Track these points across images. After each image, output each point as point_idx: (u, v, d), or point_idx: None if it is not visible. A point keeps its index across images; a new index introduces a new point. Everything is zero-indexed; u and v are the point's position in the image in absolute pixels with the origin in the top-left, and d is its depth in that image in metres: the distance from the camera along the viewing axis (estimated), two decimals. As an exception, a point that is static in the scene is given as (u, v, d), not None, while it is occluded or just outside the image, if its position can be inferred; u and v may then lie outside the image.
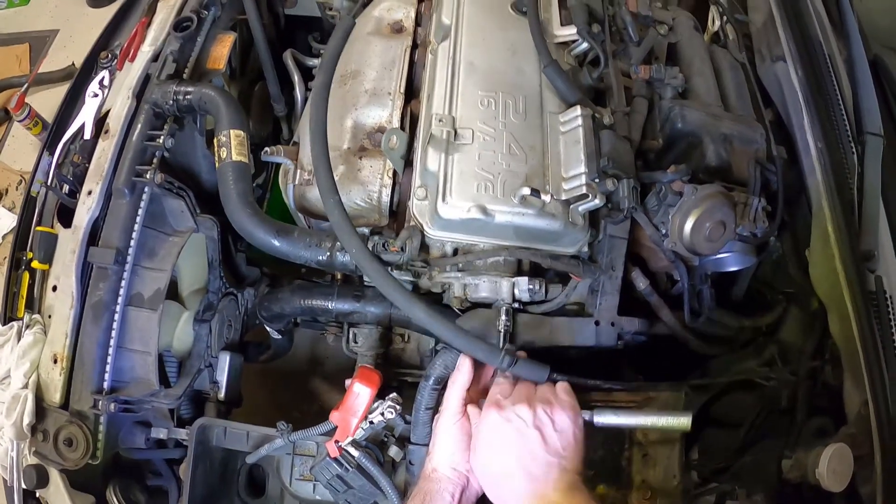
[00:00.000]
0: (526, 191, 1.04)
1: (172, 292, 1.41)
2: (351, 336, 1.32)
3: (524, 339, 1.13)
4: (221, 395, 1.38)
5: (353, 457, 1.11)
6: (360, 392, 1.08)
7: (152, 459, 1.36)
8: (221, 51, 1.42)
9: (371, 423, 1.09)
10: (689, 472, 1.38)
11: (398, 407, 1.09)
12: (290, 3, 1.64)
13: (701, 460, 1.41)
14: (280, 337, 1.46)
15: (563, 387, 1.05)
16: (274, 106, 1.58)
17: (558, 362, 1.24)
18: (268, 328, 1.44)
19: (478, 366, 1.09)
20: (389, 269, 1.14)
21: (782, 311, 1.40)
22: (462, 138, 1.11)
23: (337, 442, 1.10)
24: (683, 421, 1.07)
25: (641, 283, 1.24)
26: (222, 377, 1.39)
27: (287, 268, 1.43)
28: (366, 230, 1.21)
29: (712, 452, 1.43)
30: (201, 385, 1.38)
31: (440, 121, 1.09)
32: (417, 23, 1.38)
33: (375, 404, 1.10)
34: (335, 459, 1.11)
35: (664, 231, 1.15)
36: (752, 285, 1.44)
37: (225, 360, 1.38)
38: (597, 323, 1.15)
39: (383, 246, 1.09)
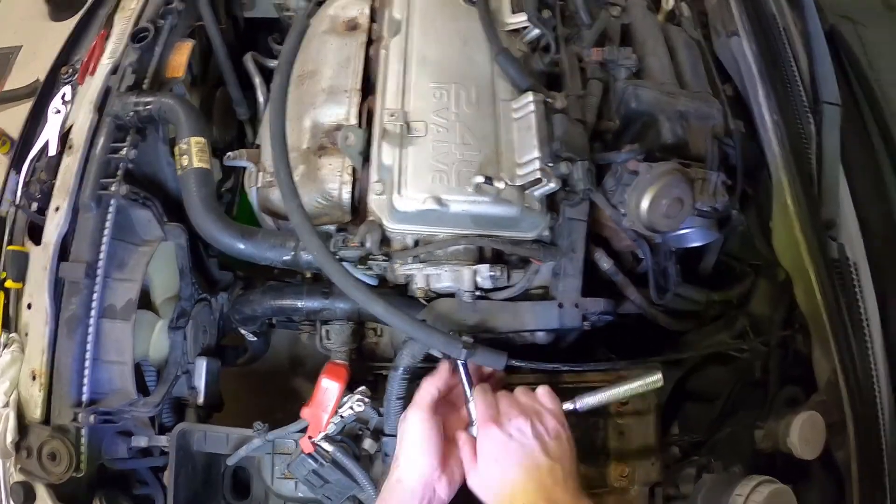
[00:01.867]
0: (479, 179, 1.05)
1: (146, 301, 1.42)
2: (323, 333, 1.33)
3: (488, 326, 1.15)
4: (200, 400, 1.39)
5: (327, 451, 1.12)
6: (328, 387, 1.09)
7: (137, 469, 1.38)
8: (180, 59, 1.42)
9: (342, 417, 1.10)
10: (669, 448, 1.40)
11: (367, 400, 1.10)
12: (248, 5, 1.64)
13: (680, 435, 1.43)
14: (255, 339, 1.47)
15: (544, 393, 1.05)
16: (236, 110, 1.59)
17: (534, 347, 1.27)
18: (242, 331, 1.45)
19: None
20: (354, 265, 1.16)
21: (751, 283, 1.41)
22: (415, 131, 1.12)
23: (310, 438, 1.12)
24: (655, 378, 1.09)
25: (605, 263, 1.26)
26: (200, 383, 1.39)
27: (260, 270, 1.44)
28: (332, 228, 1.22)
29: (691, 427, 1.45)
30: (180, 392, 1.39)
31: (392, 115, 1.10)
32: (373, 19, 1.38)
33: (345, 398, 1.11)
34: (310, 455, 1.12)
35: (623, 211, 1.17)
36: (720, 259, 1.45)
37: (202, 366, 1.39)
38: (560, 305, 1.16)
39: (343, 242, 1.10)
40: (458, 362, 1.08)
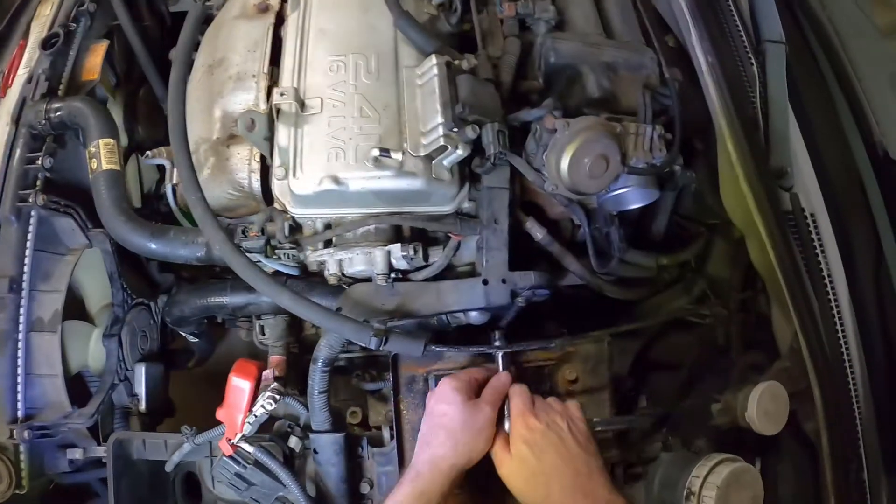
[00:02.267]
0: (375, 152, 0.98)
1: (81, 311, 1.39)
2: (258, 329, 1.29)
3: (409, 309, 1.08)
4: (142, 407, 1.36)
5: (248, 453, 1.07)
6: (238, 386, 1.05)
7: (88, 481, 1.36)
8: (95, 61, 1.39)
9: (255, 416, 1.04)
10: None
11: (277, 397, 1.05)
12: (172, 0, 1.60)
13: (648, 407, 1.34)
14: (197, 340, 1.43)
15: (574, 406, 1.06)
16: (164, 107, 1.54)
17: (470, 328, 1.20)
18: (182, 333, 1.41)
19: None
20: (265, 255, 1.11)
21: (704, 243, 1.31)
22: (310, 109, 1.06)
23: (229, 440, 1.07)
24: None
25: (538, 232, 1.17)
26: (140, 389, 1.36)
27: (205, 269, 1.40)
28: (254, 219, 1.17)
29: (659, 398, 1.36)
30: (121, 400, 1.36)
31: (282, 94, 1.04)
32: (284, -1, 1.32)
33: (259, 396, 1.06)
34: (231, 457, 1.08)
35: (545, 174, 1.08)
36: (674, 221, 1.35)
37: (141, 372, 1.36)
38: (485, 282, 1.08)
39: (243, 233, 1.05)
40: (499, 359, 1.09)
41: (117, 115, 1.50)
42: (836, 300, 1.14)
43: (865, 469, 1.11)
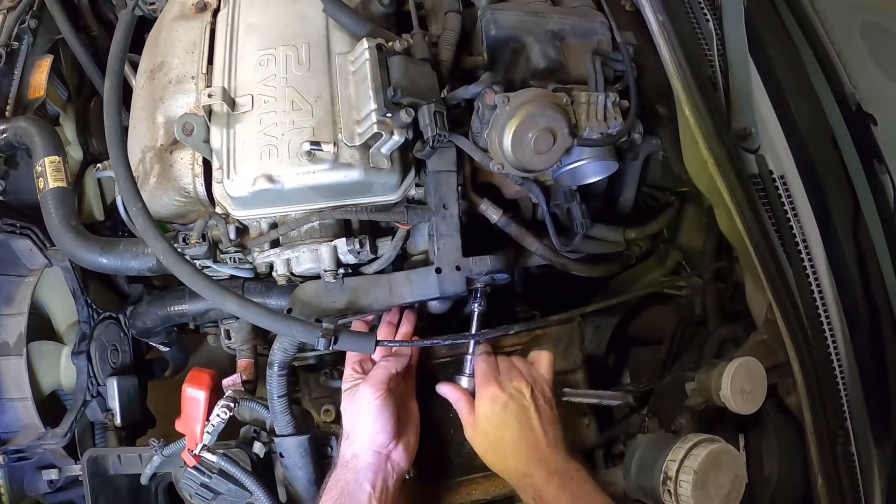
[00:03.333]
0: (306, 146, 0.94)
1: (49, 331, 1.38)
2: (224, 333, 1.27)
3: (361, 305, 1.04)
4: (118, 421, 1.35)
5: (212, 462, 1.05)
6: (193, 396, 1.02)
7: (72, 500, 1.36)
8: (40, 78, 1.37)
9: (213, 425, 1.02)
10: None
11: (232, 404, 1.02)
12: (120, 6, 1.55)
13: (631, 384, 1.29)
14: (168, 349, 1.42)
15: (546, 361, 1.08)
16: (117, 119, 1.52)
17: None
18: (152, 344, 1.40)
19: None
20: (211, 261, 1.08)
21: (675, 213, 1.25)
22: (241, 107, 1.02)
23: (190, 451, 1.05)
24: (619, 401, 1.11)
25: (494, 214, 1.13)
26: (114, 403, 1.34)
27: (174, 278, 1.38)
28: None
29: (642, 373, 1.31)
30: (96, 416, 1.35)
31: (210, 95, 1.00)
32: (221, -4, 1.28)
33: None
34: (195, 468, 1.06)
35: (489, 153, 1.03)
36: (644, 192, 1.29)
37: (113, 386, 1.34)
38: (438, 270, 1.04)
39: (184, 241, 1.02)
40: (473, 311, 1.09)
41: (70, 128, 1.48)
42: (812, 266, 1.08)
43: (853, 441, 1.06)
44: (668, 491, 1.01)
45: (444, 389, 1.10)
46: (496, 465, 1.03)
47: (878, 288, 1.11)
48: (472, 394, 1.08)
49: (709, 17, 1.14)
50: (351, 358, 1.10)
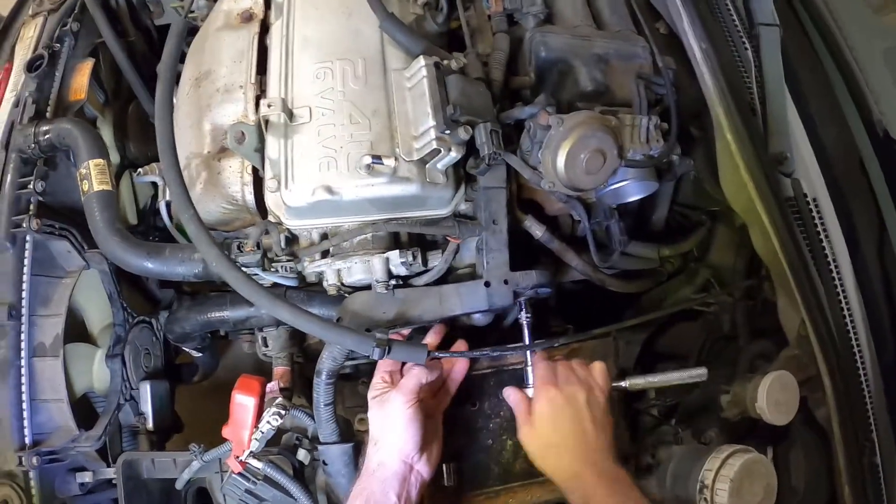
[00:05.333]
0: (367, 159, 0.97)
1: (82, 333, 1.39)
2: (261, 341, 1.28)
3: (411, 316, 1.06)
4: (150, 425, 1.35)
5: (258, 468, 1.07)
6: (242, 402, 1.03)
7: (101, 503, 1.35)
8: (81, 80, 1.37)
9: (262, 432, 1.04)
10: (644, 413, 1.31)
11: (283, 412, 1.04)
12: (157, 13, 1.57)
13: (657, 398, 1.33)
14: (201, 355, 1.43)
15: (600, 369, 1.11)
16: (153, 122, 1.53)
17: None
18: (185, 349, 1.40)
19: None
20: (261, 269, 1.10)
21: (706, 232, 1.29)
22: (299, 118, 1.04)
23: (237, 457, 1.06)
24: (699, 372, 1.09)
25: (538, 230, 1.16)
26: (147, 407, 1.35)
27: (205, 283, 1.39)
28: (249, 232, 1.16)
29: (666, 389, 1.35)
30: (129, 419, 1.36)
31: (269, 105, 1.02)
32: (268, 6, 1.30)
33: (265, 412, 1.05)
34: (240, 474, 1.07)
35: (541, 171, 1.06)
36: (675, 210, 1.33)
37: (146, 390, 1.35)
38: (487, 284, 1.07)
39: (238, 248, 1.03)
40: (522, 323, 1.11)
41: (107, 132, 1.49)
42: (842, 285, 1.13)
43: (879, 453, 1.10)
44: (705, 499, 1.04)
45: (507, 392, 1.12)
46: (548, 466, 1.05)
47: (903, 306, 1.16)
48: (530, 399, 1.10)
49: (747, 45, 1.19)
50: (382, 367, 1.11)
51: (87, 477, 1.26)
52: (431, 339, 1.12)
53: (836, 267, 1.13)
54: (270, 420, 1.02)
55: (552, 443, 1.04)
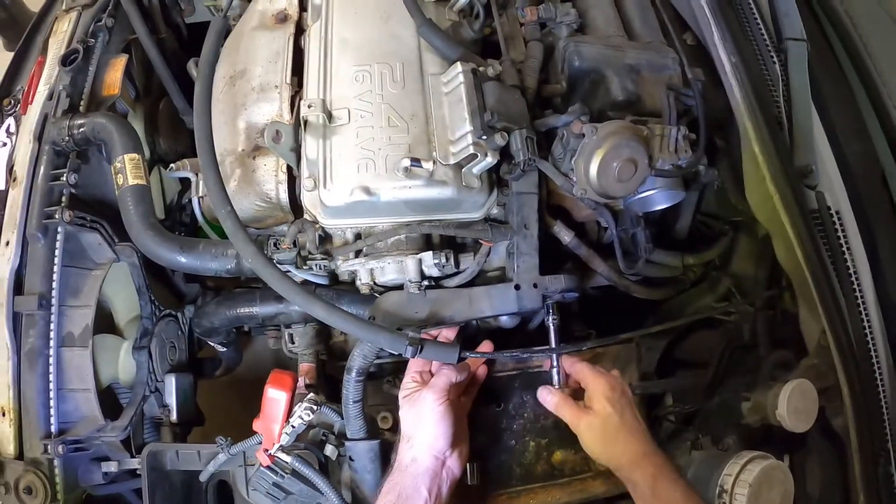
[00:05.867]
0: (406, 162, 0.99)
1: (109, 324, 1.40)
2: (287, 337, 1.30)
3: (442, 316, 1.08)
4: (173, 417, 1.37)
5: (286, 462, 1.08)
6: (274, 397, 1.05)
7: (122, 493, 1.37)
8: (115, 75, 1.39)
9: (293, 426, 1.05)
10: (662, 420, 1.33)
11: (315, 407, 1.05)
12: (188, 11, 1.60)
13: (674, 405, 1.35)
14: (225, 350, 1.44)
15: (616, 372, 1.12)
16: (185, 119, 1.55)
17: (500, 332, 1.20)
18: (210, 343, 1.42)
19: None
20: (295, 266, 1.11)
21: (729, 242, 1.31)
22: (338, 120, 1.06)
23: (266, 450, 1.08)
24: None
25: (566, 236, 1.18)
26: (171, 400, 1.37)
27: (229, 280, 1.41)
28: (282, 229, 1.18)
29: (684, 396, 1.37)
30: (152, 411, 1.37)
31: (310, 106, 1.04)
32: (303, 8, 1.32)
33: (295, 407, 1.06)
34: (268, 468, 1.09)
35: (573, 178, 1.08)
36: (698, 219, 1.35)
37: (171, 383, 1.37)
38: (517, 287, 1.09)
39: (275, 246, 1.05)
40: (550, 326, 1.11)
41: (138, 128, 1.50)
42: (862, 297, 1.15)
43: (893, 463, 1.12)
44: (724, 503, 1.06)
45: (544, 392, 1.12)
46: (615, 451, 1.05)
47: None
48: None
49: (775, 59, 1.21)
50: (413, 367, 1.12)
51: (111, 467, 1.27)
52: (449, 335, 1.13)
53: (856, 279, 1.15)
54: (302, 415, 1.04)
55: (619, 428, 1.05)
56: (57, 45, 1.43)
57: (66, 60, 1.35)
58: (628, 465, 1.03)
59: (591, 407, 1.06)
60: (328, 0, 1.19)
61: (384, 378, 1.26)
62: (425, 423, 1.03)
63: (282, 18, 1.32)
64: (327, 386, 1.30)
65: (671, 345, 1.35)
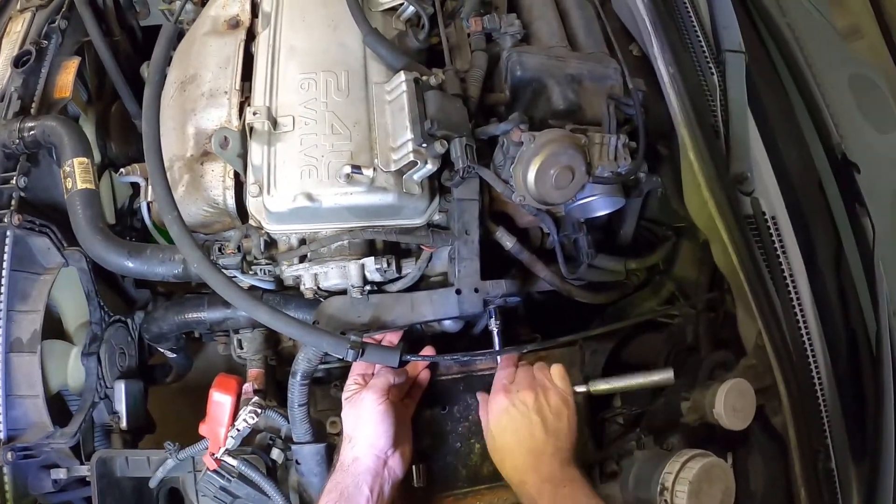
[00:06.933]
0: (347, 169, 1.00)
1: (58, 330, 1.40)
2: (236, 343, 1.31)
3: (384, 321, 1.10)
4: (123, 424, 1.37)
5: (232, 466, 1.09)
6: (219, 400, 1.06)
7: (72, 501, 1.36)
8: (67, 78, 1.39)
9: (238, 430, 1.06)
10: (609, 422, 1.35)
11: (260, 411, 1.06)
12: (143, 14, 1.60)
13: (623, 407, 1.37)
14: (175, 356, 1.44)
15: (556, 372, 1.13)
16: (137, 123, 1.55)
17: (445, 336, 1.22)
18: (160, 349, 1.42)
19: None
20: (241, 271, 1.13)
21: (672, 246, 1.35)
22: (283, 126, 1.08)
23: (212, 454, 1.08)
24: (666, 375, 1.14)
25: (508, 241, 1.20)
26: (121, 406, 1.36)
27: (181, 285, 1.41)
28: (229, 235, 1.19)
29: (632, 398, 1.40)
30: (102, 418, 1.37)
31: (255, 113, 1.05)
32: (255, 14, 1.33)
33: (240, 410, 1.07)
34: (215, 472, 1.09)
35: (512, 185, 1.11)
36: (642, 225, 1.39)
37: (121, 389, 1.36)
38: (458, 292, 1.11)
39: (219, 251, 1.06)
40: (492, 330, 1.15)
41: (89, 131, 1.51)
42: (798, 299, 1.18)
43: (833, 458, 1.16)
44: (665, 501, 1.08)
45: (479, 398, 1.17)
46: (503, 471, 1.09)
47: (856, 319, 1.22)
48: None
49: (713, 70, 1.24)
50: (356, 369, 1.14)
51: (60, 474, 1.26)
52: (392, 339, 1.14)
53: (792, 281, 1.18)
54: (247, 418, 1.05)
55: (496, 448, 1.09)
56: (10, 46, 1.42)
57: (18, 62, 1.35)
58: (511, 486, 1.07)
59: (488, 424, 1.10)
60: (278, 7, 1.20)
61: (332, 383, 1.27)
62: (366, 423, 1.04)
63: (234, 24, 1.33)
64: (277, 391, 1.31)
65: (617, 348, 1.38)
